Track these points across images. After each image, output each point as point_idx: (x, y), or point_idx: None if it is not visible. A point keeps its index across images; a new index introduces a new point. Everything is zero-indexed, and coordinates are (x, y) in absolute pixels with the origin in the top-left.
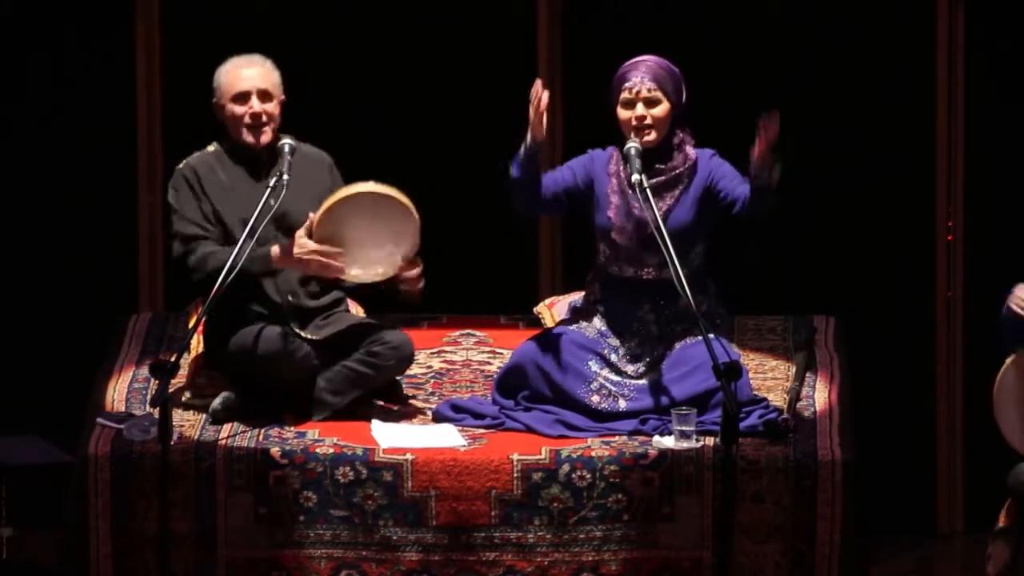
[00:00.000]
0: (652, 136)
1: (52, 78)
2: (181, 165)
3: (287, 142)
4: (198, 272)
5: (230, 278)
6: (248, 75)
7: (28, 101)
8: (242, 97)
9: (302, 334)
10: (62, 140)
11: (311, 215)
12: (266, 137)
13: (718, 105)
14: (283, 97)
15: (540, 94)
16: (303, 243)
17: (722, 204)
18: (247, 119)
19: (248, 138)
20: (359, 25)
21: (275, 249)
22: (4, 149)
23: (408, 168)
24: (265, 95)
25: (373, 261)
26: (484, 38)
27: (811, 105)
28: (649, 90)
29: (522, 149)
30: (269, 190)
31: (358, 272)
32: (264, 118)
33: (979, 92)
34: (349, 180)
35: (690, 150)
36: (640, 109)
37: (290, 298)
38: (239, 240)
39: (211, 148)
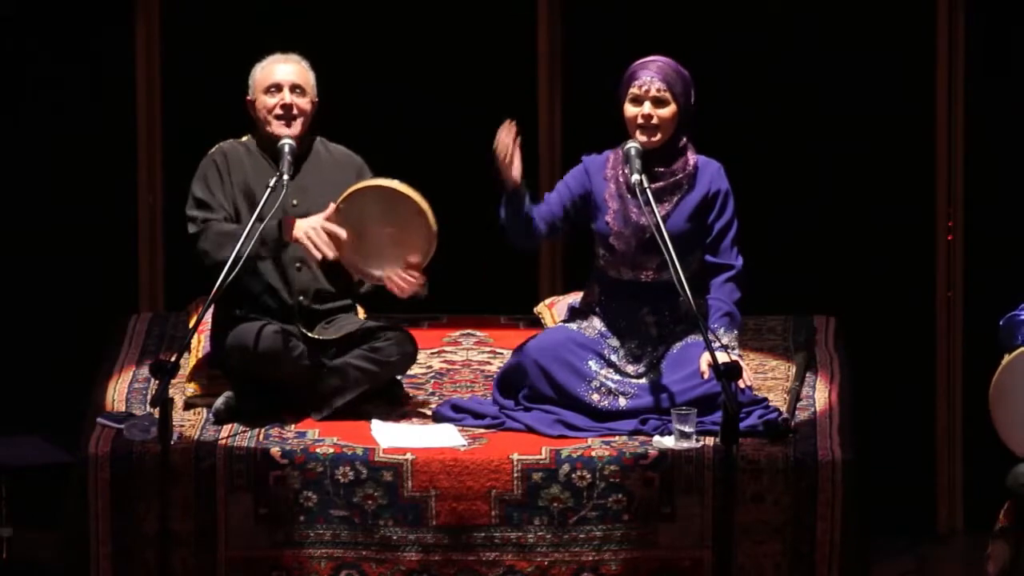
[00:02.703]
0: (657, 137)
1: (52, 78)
2: (213, 149)
3: (287, 142)
4: (208, 258)
5: (232, 275)
6: (283, 69)
7: (28, 101)
8: (275, 88)
9: (309, 334)
10: (62, 140)
11: (331, 204)
12: (295, 130)
13: (717, 105)
14: (316, 99)
15: (506, 140)
16: (313, 220)
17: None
18: (278, 109)
19: (278, 128)
20: (358, 25)
21: (289, 222)
22: (4, 149)
23: (407, 167)
24: (297, 89)
25: (380, 258)
26: (484, 37)
27: (810, 105)
28: (659, 90)
29: (503, 194)
30: (269, 190)
31: (363, 265)
32: (295, 111)
33: (979, 92)
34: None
35: (691, 156)
36: (648, 107)
37: (302, 299)
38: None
39: (244, 138)
